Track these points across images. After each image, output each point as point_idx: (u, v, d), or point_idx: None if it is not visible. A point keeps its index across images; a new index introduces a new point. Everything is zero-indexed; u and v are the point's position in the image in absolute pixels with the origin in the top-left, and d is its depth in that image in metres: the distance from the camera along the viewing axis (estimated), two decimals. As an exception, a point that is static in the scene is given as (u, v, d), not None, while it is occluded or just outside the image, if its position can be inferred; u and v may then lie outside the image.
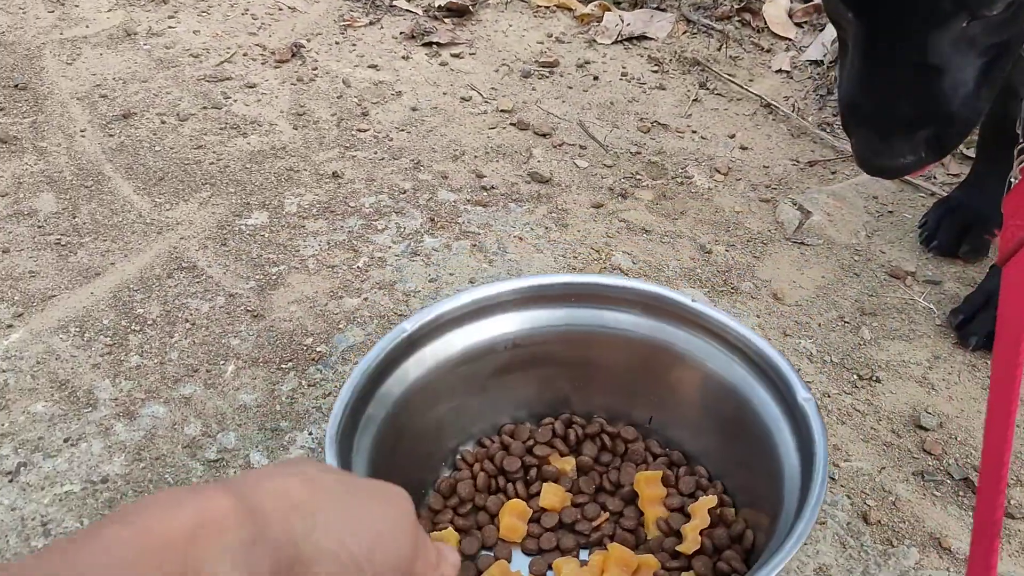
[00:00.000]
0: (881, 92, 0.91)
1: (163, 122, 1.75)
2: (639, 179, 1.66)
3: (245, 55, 1.97)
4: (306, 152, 1.69)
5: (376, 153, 1.69)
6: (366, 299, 1.37)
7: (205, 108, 1.79)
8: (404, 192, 1.59)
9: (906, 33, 0.88)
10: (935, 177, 1.68)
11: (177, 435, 1.16)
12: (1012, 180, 1.03)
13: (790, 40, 2.06)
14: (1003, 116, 1.46)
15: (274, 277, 1.40)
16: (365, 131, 1.76)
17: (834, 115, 1.84)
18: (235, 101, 1.82)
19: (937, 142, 0.95)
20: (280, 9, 2.15)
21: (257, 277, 1.40)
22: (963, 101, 0.93)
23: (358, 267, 1.43)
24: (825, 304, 1.39)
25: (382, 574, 0.56)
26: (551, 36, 2.08)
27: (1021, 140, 1.04)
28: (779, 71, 1.96)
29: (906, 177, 1.68)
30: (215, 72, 1.90)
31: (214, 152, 1.68)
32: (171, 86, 1.85)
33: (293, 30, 2.07)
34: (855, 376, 1.27)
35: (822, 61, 1.96)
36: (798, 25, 2.10)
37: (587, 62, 2.00)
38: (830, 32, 2.00)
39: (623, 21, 2.07)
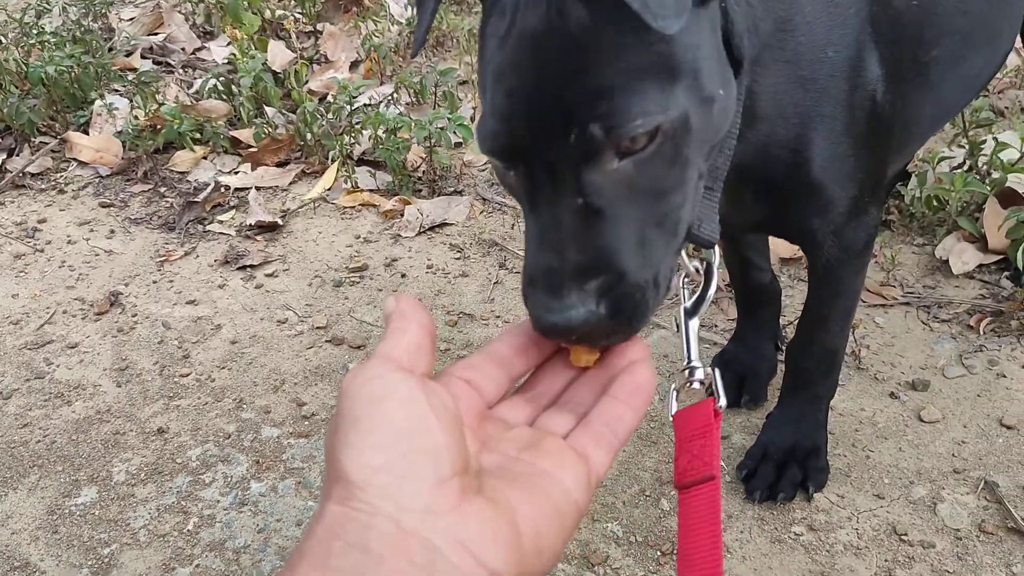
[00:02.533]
0: (545, 245, 0.84)
1: (-14, 405, 1.79)
2: (451, 377, 1.77)
3: (65, 312, 2.03)
4: (131, 410, 1.75)
5: (199, 398, 1.77)
6: (198, 566, 1.43)
7: (28, 380, 1.84)
8: (228, 436, 1.67)
9: (560, 176, 0.83)
10: (716, 325, 1.84)
11: None
12: (675, 389, 1.02)
13: (578, 204, 2.22)
14: (746, 282, 1.64)
15: (107, 560, 1.45)
16: (187, 375, 1.83)
17: (623, 276, 1.99)
18: (58, 366, 1.88)
19: (613, 300, 0.84)
20: (96, 255, 2.22)
21: (90, 563, 1.45)
22: (631, 252, 0.86)
23: (188, 530, 1.49)
24: (628, 479, 1.51)
25: None
26: (359, 237, 2.21)
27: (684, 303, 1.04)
28: (571, 238, 2.12)
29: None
30: (36, 337, 1.96)
31: (40, 428, 1.72)
32: (-8, 362, 1.90)
33: (111, 276, 2.14)
34: (658, 553, 1.39)
35: (607, 222, 2.12)
36: (584, 186, 2.27)
37: (394, 259, 2.12)
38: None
39: (423, 214, 2.21)
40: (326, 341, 1.90)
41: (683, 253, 1.03)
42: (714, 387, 1.01)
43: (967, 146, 1.96)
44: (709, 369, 1.00)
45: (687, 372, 0.99)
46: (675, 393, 1.04)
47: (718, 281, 1.06)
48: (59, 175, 2.52)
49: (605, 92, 0.80)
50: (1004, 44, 1.43)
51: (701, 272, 1.06)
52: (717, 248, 1.05)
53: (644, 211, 0.85)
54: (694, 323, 1.04)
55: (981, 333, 1.74)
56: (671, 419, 0.99)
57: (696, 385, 1.01)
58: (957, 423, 1.57)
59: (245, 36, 2.79)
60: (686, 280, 1.09)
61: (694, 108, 0.83)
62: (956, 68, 1.32)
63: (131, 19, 3.26)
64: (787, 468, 1.48)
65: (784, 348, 1.63)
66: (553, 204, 0.83)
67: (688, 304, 1.05)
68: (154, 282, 2.12)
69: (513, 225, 2.17)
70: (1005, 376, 1.66)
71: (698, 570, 0.82)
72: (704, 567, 0.82)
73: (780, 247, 1.91)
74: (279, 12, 3.09)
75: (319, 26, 3.07)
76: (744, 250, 1.57)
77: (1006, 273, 1.85)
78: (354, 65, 2.92)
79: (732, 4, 0.95)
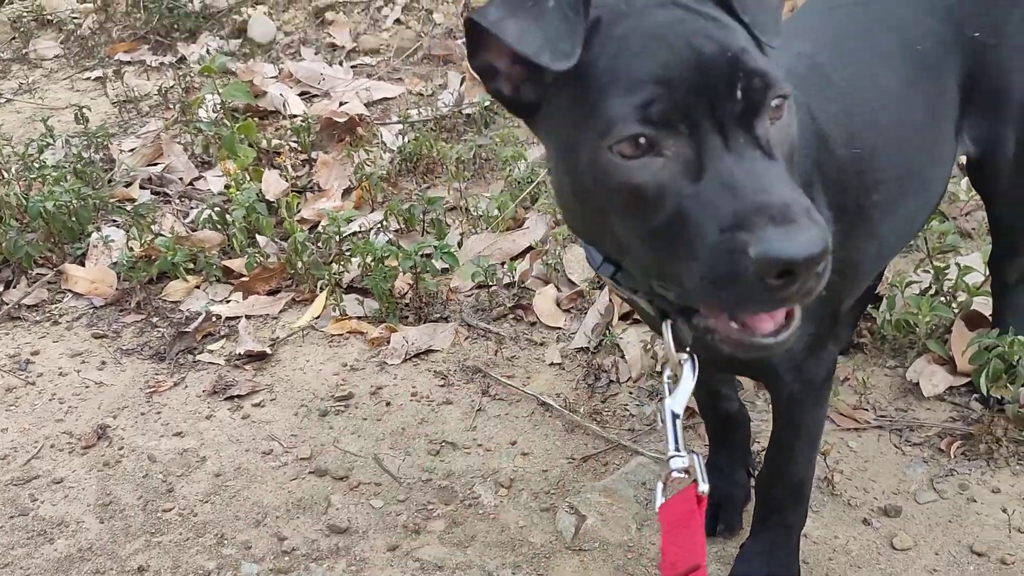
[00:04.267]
0: (754, 189, 0.88)
1: (-29, 543, 1.81)
2: (431, 509, 1.79)
3: (53, 446, 2.06)
4: (112, 548, 1.77)
5: (181, 534, 1.78)
6: None
7: (12, 517, 1.86)
8: (208, 574, 1.68)
9: (733, 131, 0.91)
10: (693, 451, 1.86)
11: None
12: (662, 483, 1.13)
13: (560, 329, 2.27)
14: (714, 411, 1.67)
15: None
16: (170, 510, 1.85)
17: (602, 402, 2.03)
18: (42, 503, 1.90)
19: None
20: (87, 387, 2.26)
21: None
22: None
23: (165, 673, 1.49)
24: (603, 613, 1.52)
25: None
26: (346, 365, 2.25)
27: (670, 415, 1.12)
28: (552, 364, 2.16)
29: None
30: (23, 473, 1.98)
31: (21, 568, 1.74)
32: (-21, 498, 1.92)
33: (100, 408, 2.18)
34: None
35: (588, 348, 2.17)
36: (566, 311, 2.33)
37: (380, 387, 2.16)
38: (591, 319, 2.22)
39: (408, 341, 2.26)
40: (310, 472, 1.92)
41: (670, 345, 1.10)
42: (696, 473, 1.07)
43: (932, 271, 2.01)
44: (688, 458, 1.09)
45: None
46: (661, 486, 1.13)
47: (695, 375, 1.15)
48: (54, 306, 2.58)
49: (757, 58, 0.94)
50: (935, 189, 1.51)
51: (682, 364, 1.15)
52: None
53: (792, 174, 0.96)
54: (679, 420, 1.13)
55: (952, 457, 1.77)
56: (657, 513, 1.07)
57: (680, 475, 1.08)
58: (929, 550, 1.58)
59: (240, 168, 2.89)
60: (669, 376, 1.15)
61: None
62: (894, 212, 1.38)
63: (132, 150, 3.37)
64: (762, 602, 1.49)
65: (754, 475, 1.66)
66: (735, 157, 0.90)
67: (671, 397, 1.12)
68: (142, 414, 2.15)
69: (496, 352, 2.21)
70: (975, 501, 1.67)
71: None
72: None
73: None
74: (275, 141, 3.20)
75: (313, 154, 3.17)
76: (712, 382, 1.61)
77: (975, 395, 1.88)
78: (347, 192, 3.00)
79: None
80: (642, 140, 0.92)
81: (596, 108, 0.94)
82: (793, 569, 1.51)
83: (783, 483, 1.47)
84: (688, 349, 1.14)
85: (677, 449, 1.12)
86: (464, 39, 0.96)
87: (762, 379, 1.42)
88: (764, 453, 1.50)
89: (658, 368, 2.05)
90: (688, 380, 1.13)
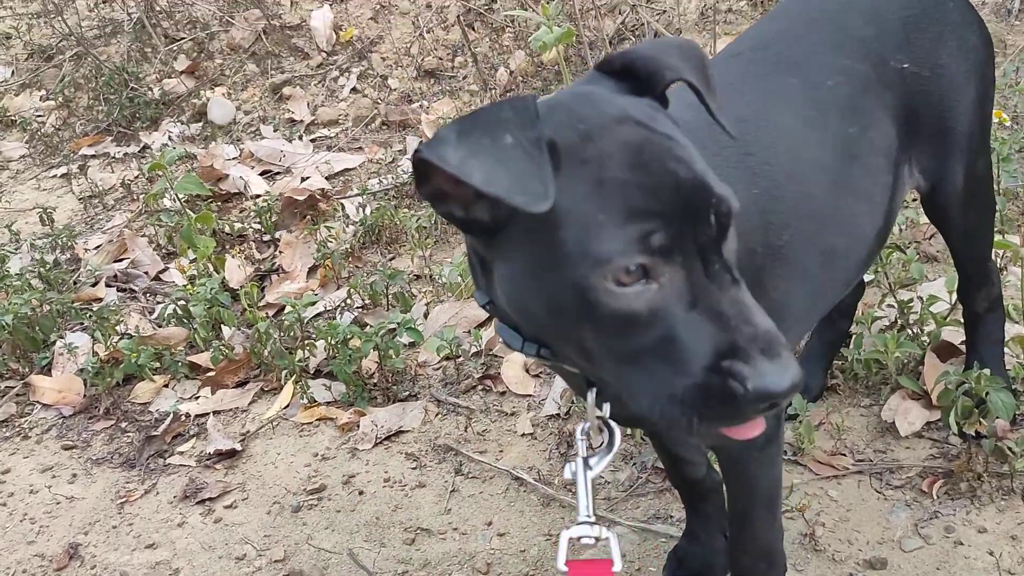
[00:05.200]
0: (738, 318, 0.93)
1: None
2: (408, 604, 1.75)
3: (24, 571, 2.02)
4: (86, 677, 1.72)
5: (155, 655, 1.73)
6: None
7: (-16, 653, 1.81)
8: None
9: (709, 256, 0.95)
10: (671, 516, 1.82)
11: None
12: (569, 538, 1.10)
13: (531, 396, 2.23)
14: (681, 478, 1.62)
15: None
16: (144, 630, 1.80)
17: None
18: (14, 634, 1.85)
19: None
20: (58, 503, 2.22)
21: None
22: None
23: None
24: None
25: None
26: (317, 455, 2.21)
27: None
28: (524, 434, 2.12)
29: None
30: (-6, 603, 1.94)
31: None
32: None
33: (71, 525, 2.13)
34: None
35: (559, 414, 2.13)
36: (536, 376, 2.29)
37: (352, 475, 2.11)
38: (559, 384, 2.19)
39: (377, 424, 2.22)
40: (284, 575, 1.87)
41: (591, 406, 1.10)
42: (612, 551, 1.09)
43: (896, 305, 1.97)
44: (602, 529, 1.09)
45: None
46: (566, 542, 1.10)
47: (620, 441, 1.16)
48: (23, 419, 2.54)
49: (718, 184, 0.96)
50: (867, 225, 1.45)
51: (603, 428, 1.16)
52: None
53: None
54: (589, 477, 1.13)
55: (935, 498, 1.72)
56: (563, 570, 1.06)
57: (590, 541, 1.09)
58: (917, 604, 1.53)
59: (201, 258, 2.86)
60: (582, 434, 1.14)
61: None
62: (816, 250, 1.35)
63: (97, 247, 3.34)
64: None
65: (729, 542, 1.61)
66: (718, 285, 0.94)
67: (585, 455, 1.11)
68: (114, 527, 2.11)
69: (467, 427, 2.17)
70: (962, 543, 1.63)
71: None
72: None
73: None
74: (238, 225, 3.18)
75: (277, 235, 3.15)
76: (670, 445, 1.56)
77: (953, 430, 1.83)
78: (312, 270, 2.98)
79: None
80: (640, 269, 0.93)
81: (586, 238, 0.94)
82: (779, 636, 1.46)
83: (749, 550, 1.42)
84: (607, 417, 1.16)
85: (589, 515, 1.10)
86: (412, 168, 0.93)
87: (704, 443, 1.38)
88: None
89: (629, 430, 2.01)
90: (613, 444, 1.14)
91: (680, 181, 0.94)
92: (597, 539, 1.09)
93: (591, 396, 1.14)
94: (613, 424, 1.15)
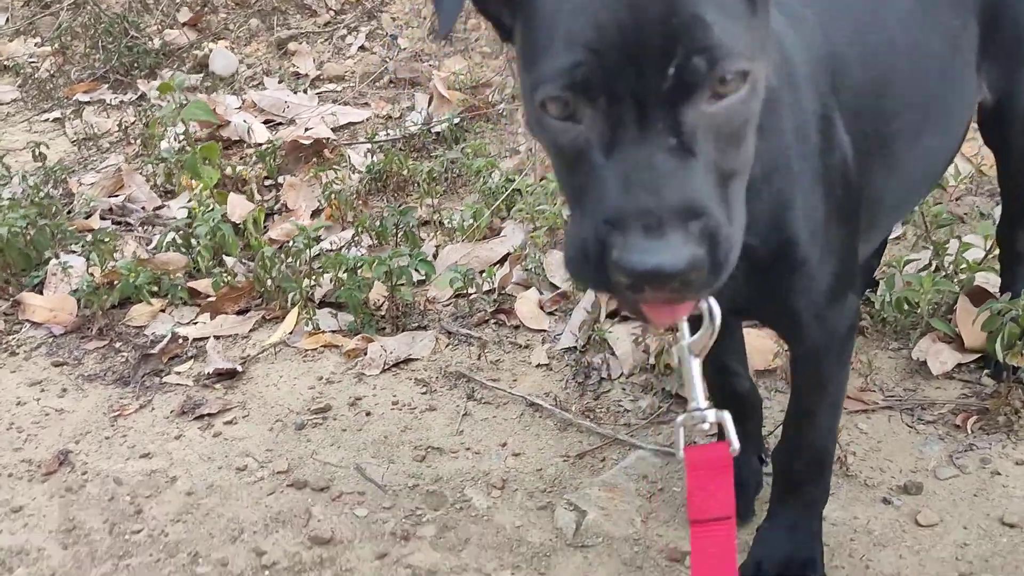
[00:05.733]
0: (637, 186, 0.81)
1: (-80, 577, 1.66)
2: (420, 515, 1.67)
3: (10, 475, 1.92)
4: (77, 573, 1.63)
5: (151, 555, 1.65)
6: None
7: (-33, 549, 1.72)
8: (182, 595, 1.55)
9: (653, 113, 0.82)
10: (696, 441, 1.76)
11: None
12: (682, 426, 1.08)
13: (545, 331, 2.17)
14: (725, 390, 1.56)
15: None
16: (139, 532, 1.72)
17: (595, 399, 1.92)
18: (0, 532, 1.75)
19: (714, 244, 0.83)
20: (47, 415, 2.12)
21: None
22: (724, 199, 0.86)
23: None
24: (613, 609, 1.40)
25: None
26: (321, 379, 2.13)
27: None
28: (539, 365, 2.06)
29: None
30: (-22, 503, 1.84)
31: (-24, 602, 1.59)
32: (-71, 532, 1.78)
33: (61, 435, 2.04)
34: None
35: (575, 347, 2.07)
36: (550, 314, 2.23)
37: (358, 398, 2.04)
38: (577, 317, 2.13)
39: (386, 350, 2.15)
40: (288, 485, 1.79)
41: None
42: (726, 432, 1.05)
43: (932, 247, 1.94)
44: (717, 412, 1.05)
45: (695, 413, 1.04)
46: (682, 430, 1.08)
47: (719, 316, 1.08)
48: (11, 337, 2.44)
49: (709, 26, 0.81)
50: (957, 123, 1.43)
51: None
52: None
53: (726, 162, 0.85)
54: (696, 362, 1.05)
55: (969, 432, 1.68)
56: (682, 457, 1.04)
57: (705, 426, 1.02)
58: (956, 525, 1.49)
59: (204, 188, 2.78)
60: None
61: (763, 84, 0.87)
62: (916, 144, 1.31)
63: (92, 184, 3.25)
64: (784, 582, 1.38)
65: (768, 459, 1.56)
66: (643, 143, 0.81)
67: (690, 340, 1.06)
68: (107, 438, 2.01)
69: (479, 356, 2.10)
70: (1000, 474, 1.58)
71: None
72: None
73: (755, 358, 1.85)
74: (240, 168, 3.10)
75: (280, 178, 3.07)
76: (722, 356, 1.50)
77: (986, 371, 1.80)
78: (315, 214, 2.90)
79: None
80: (566, 104, 0.85)
81: (534, 60, 0.89)
82: (815, 550, 1.40)
83: (804, 453, 1.37)
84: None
85: (700, 400, 1.06)
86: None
87: (781, 328, 1.33)
88: (773, 436, 1.41)
89: (651, 361, 1.95)
90: (709, 323, 1.06)
91: (640, 18, 0.81)
92: (711, 424, 1.06)
93: None
94: (712, 301, 1.08)
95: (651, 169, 0.81)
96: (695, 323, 1.08)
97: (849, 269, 1.23)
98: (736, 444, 1.03)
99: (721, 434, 1.07)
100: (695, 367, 1.07)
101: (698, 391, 1.07)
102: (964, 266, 1.92)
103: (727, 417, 1.07)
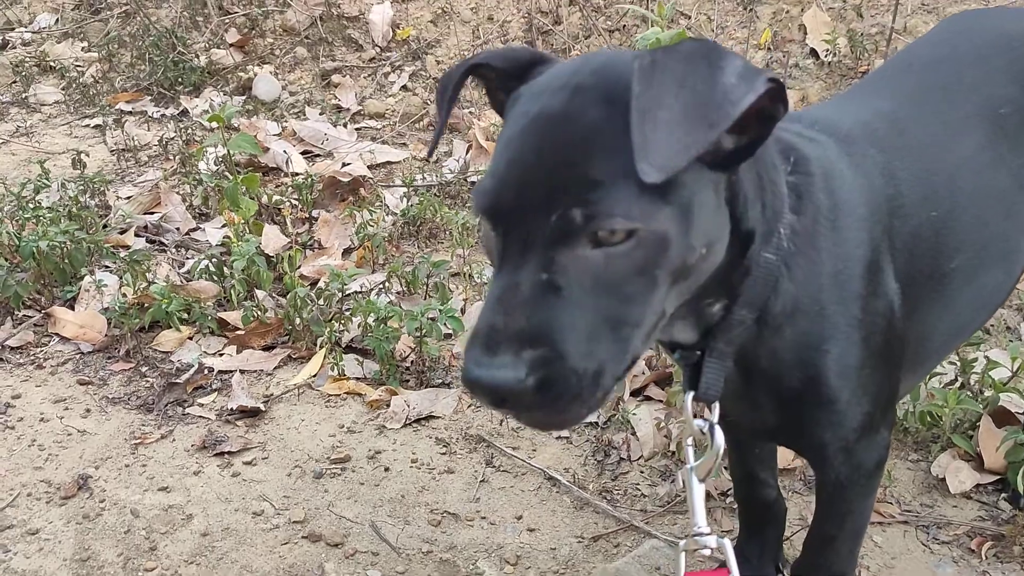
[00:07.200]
0: (498, 307, 0.88)
1: (-66, 594, 1.68)
2: (432, 583, 1.69)
3: (29, 495, 1.94)
4: (89, 607, 1.64)
5: (164, 596, 1.66)
6: None
7: (-18, 568, 1.74)
8: (192, 641, 1.56)
9: (533, 247, 0.89)
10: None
11: None
12: (683, 551, 1.12)
13: (567, 402, 2.19)
14: (751, 497, 1.58)
15: None
16: (152, 570, 1.73)
17: (612, 480, 1.94)
18: (15, 554, 1.77)
19: (545, 376, 0.87)
20: (69, 435, 2.15)
21: None
22: (578, 337, 0.89)
23: None
24: None
25: None
26: (343, 427, 2.15)
27: None
28: (559, 438, 2.08)
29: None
30: (-5, 521, 1.86)
31: (-12, 624, 1.61)
32: (-54, 546, 1.79)
33: (82, 457, 2.06)
34: None
35: (597, 422, 2.09)
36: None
37: (378, 452, 2.06)
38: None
39: (409, 405, 2.17)
40: (302, 537, 1.81)
41: (688, 412, 1.08)
42: (727, 560, 1.10)
43: (959, 363, 1.95)
44: (718, 538, 1.08)
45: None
46: (683, 555, 1.13)
47: (722, 444, 1.13)
48: (39, 350, 2.47)
49: (596, 184, 0.87)
50: (1019, 261, 1.42)
51: (705, 432, 1.14)
52: (716, 406, 1.14)
53: (602, 306, 0.90)
54: (700, 487, 1.09)
55: (983, 558, 1.69)
56: None
57: (706, 552, 1.06)
58: (965, 656, 1.50)
59: (241, 220, 2.82)
60: (689, 440, 1.14)
61: (676, 239, 0.90)
62: (972, 282, 1.32)
63: (129, 197, 3.29)
64: None
65: (784, 571, 1.57)
66: (517, 271, 0.89)
67: (694, 464, 1.11)
68: (126, 466, 2.04)
69: (502, 421, 2.12)
70: (1011, 605, 1.59)
71: None
72: None
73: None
74: (276, 198, 3.14)
75: (315, 212, 3.11)
76: (751, 463, 1.52)
77: (1004, 495, 1.81)
78: (347, 252, 2.94)
79: (743, 179, 1.00)
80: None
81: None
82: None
83: (822, 574, 1.38)
84: (715, 420, 1.14)
85: (701, 524, 1.10)
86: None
87: (809, 458, 1.34)
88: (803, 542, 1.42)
89: (672, 448, 1.97)
90: (716, 447, 1.11)
91: (534, 162, 0.90)
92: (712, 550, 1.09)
93: (688, 401, 1.14)
94: (717, 429, 1.13)
95: (514, 295, 0.88)
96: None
97: (884, 408, 1.25)
98: (736, 572, 1.06)
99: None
100: (698, 491, 1.11)
101: (700, 515, 1.11)
102: (989, 384, 1.94)
103: (728, 545, 1.12)
